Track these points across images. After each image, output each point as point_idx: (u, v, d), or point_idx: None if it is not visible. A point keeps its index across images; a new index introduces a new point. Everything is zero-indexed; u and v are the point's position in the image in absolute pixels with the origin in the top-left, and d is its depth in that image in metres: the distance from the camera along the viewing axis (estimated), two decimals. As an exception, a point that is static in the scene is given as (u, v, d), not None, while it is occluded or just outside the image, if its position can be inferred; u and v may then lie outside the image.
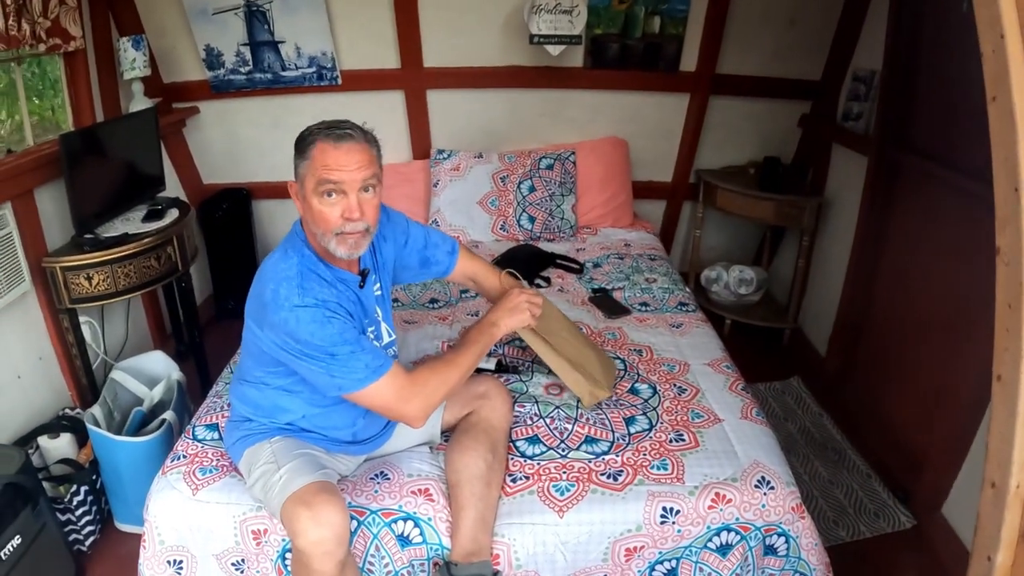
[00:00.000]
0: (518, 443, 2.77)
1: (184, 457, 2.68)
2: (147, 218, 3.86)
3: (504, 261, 4.20)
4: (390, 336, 2.64)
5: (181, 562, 2.58)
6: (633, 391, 3.07)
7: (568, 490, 2.54)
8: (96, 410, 3.25)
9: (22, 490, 2.74)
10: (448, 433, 2.79)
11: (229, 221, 5.11)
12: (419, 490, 2.54)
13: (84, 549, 3.22)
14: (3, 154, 3.47)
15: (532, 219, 4.71)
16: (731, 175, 5.06)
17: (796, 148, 5.16)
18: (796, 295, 4.97)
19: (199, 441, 2.79)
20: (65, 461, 3.28)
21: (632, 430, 2.82)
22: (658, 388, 3.08)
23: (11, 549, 2.63)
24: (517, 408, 2.91)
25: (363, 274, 2.46)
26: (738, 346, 3.49)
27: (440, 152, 4.93)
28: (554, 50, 4.43)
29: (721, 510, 2.49)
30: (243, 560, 2.55)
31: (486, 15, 4.71)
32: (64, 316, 3.53)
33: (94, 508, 3.27)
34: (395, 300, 3.43)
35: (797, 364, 4.77)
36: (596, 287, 4.03)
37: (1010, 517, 1.76)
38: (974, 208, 3.19)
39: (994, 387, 1.76)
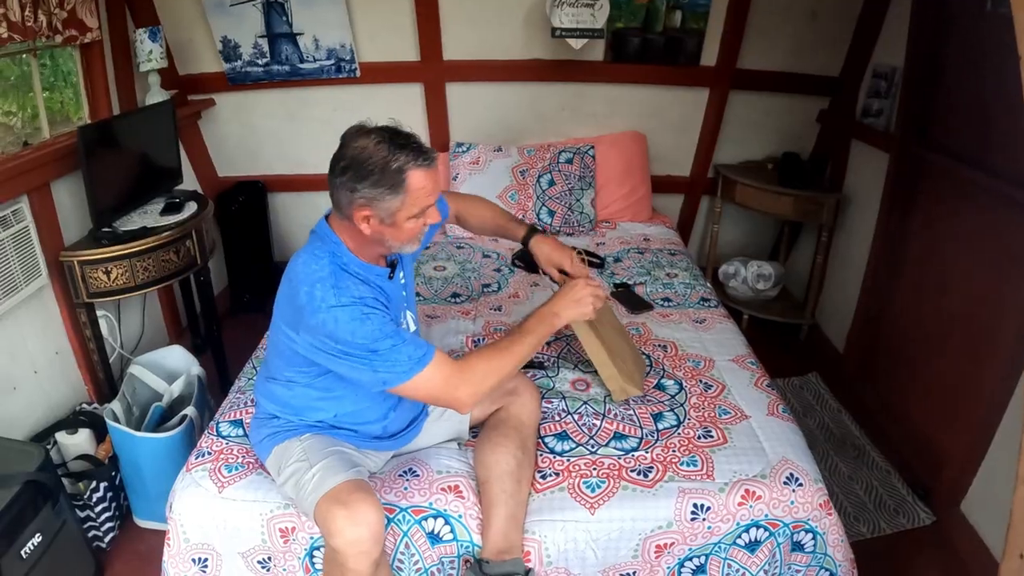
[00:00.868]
0: (547, 439, 2.76)
1: (209, 454, 2.66)
2: (165, 211, 3.83)
3: (523, 255, 4.12)
4: (415, 325, 2.63)
5: (206, 560, 2.56)
6: (660, 387, 3.05)
7: (599, 487, 2.52)
8: (115, 405, 3.22)
9: (42, 487, 2.71)
10: (476, 429, 2.76)
11: (245, 214, 5.08)
12: (449, 487, 2.52)
13: (103, 546, 3.20)
14: (19, 147, 3.45)
15: (552, 213, 4.69)
16: (749, 170, 5.03)
17: (814, 144, 5.12)
18: (813, 291, 4.95)
19: (223, 437, 2.76)
20: (84, 457, 3.26)
21: (660, 426, 2.81)
22: (684, 384, 3.07)
23: (32, 547, 2.61)
24: (545, 404, 2.89)
25: (392, 265, 2.43)
26: (756, 341, 3.44)
27: (459, 145, 4.89)
28: (576, 44, 4.39)
29: (751, 507, 2.48)
30: (269, 558, 2.54)
31: (507, 8, 4.68)
32: (81, 310, 3.51)
33: (113, 504, 3.24)
34: (417, 295, 3.41)
35: (815, 360, 4.75)
36: (618, 282, 4.00)
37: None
38: (1005, 210, 3.18)
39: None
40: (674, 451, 2.67)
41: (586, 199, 4.73)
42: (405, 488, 2.52)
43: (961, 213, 3.62)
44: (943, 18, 3.71)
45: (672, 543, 2.47)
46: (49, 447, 3.18)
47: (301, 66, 4.75)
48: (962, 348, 3.48)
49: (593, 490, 2.51)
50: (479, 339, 3.42)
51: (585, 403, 2.92)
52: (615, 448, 2.69)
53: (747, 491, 2.50)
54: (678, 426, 2.81)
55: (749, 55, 4.78)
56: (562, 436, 2.76)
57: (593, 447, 2.70)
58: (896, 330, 4.15)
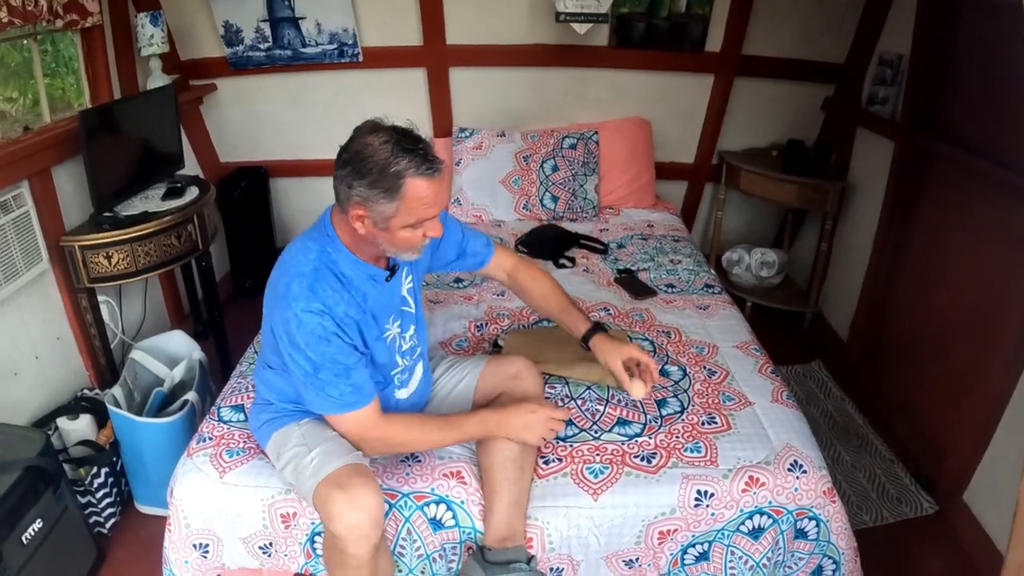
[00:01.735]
0: None
1: (210, 439, 2.65)
2: (166, 196, 3.81)
3: (530, 241, 4.20)
4: (414, 331, 2.58)
5: (207, 545, 2.55)
6: (664, 373, 3.02)
7: (602, 473, 2.51)
8: (117, 391, 3.21)
9: (43, 473, 2.71)
10: None
11: (247, 199, 5.07)
12: (451, 473, 2.51)
13: (105, 532, 3.19)
14: (19, 132, 3.43)
15: (555, 199, 4.67)
16: (753, 157, 5.02)
17: (819, 132, 5.11)
18: (817, 279, 4.94)
19: (224, 423, 2.75)
20: (85, 443, 3.25)
21: (664, 412, 2.79)
22: (688, 370, 3.05)
23: (32, 533, 2.60)
24: (547, 389, 2.87)
25: (392, 269, 2.39)
26: (759, 329, 3.43)
27: (462, 131, 4.87)
28: (580, 28, 4.36)
29: (754, 493, 2.47)
30: (271, 543, 2.53)
31: (511, -8, 4.66)
32: (82, 295, 3.50)
33: (115, 490, 3.23)
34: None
35: (818, 348, 4.74)
36: (621, 268, 3.98)
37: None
38: (1012, 200, 3.18)
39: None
40: (678, 437, 2.66)
41: (590, 185, 4.71)
42: (407, 474, 2.51)
43: (967, 203, 3.60)
44: (950, 4, 3.67)
45: (675, 529, 2.47)
46: (50, 433, 3.15)
47: (303, 51, 4.72)
48: (967, 338, 3.47)
49: (596, 476, 2.50)
50: (481, 324, 3.41)
51: (588, 388, 2.90)
52: (618, 434, 2.68)
53: (751, 478, 2.49)
54: (682, 412, 2.79)
55: (754, 41, 4.75)
56: (565, 422, 2.70)
57: (596, 433, 2.68)
58: (900, 319, 4.13)
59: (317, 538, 2.47)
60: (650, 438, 2.66)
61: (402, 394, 2.57)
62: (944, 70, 3.78)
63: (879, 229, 4.28)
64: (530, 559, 2.38)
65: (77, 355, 3.62)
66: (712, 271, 4.04)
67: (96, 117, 3.49)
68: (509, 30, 4.76)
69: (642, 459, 2.56)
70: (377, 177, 2.05)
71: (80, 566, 2.94)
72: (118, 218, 3.51)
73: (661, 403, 2.84)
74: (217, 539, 2.54)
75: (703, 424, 2.73)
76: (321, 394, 2.21)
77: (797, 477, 2.50)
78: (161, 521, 2.62)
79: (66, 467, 3.05)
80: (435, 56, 4.80)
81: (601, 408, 2.80)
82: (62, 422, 3.26)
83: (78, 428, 3.26)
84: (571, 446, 2.63)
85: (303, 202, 5.35)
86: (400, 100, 4.81)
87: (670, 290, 3.76)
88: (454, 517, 2.46)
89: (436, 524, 2.46)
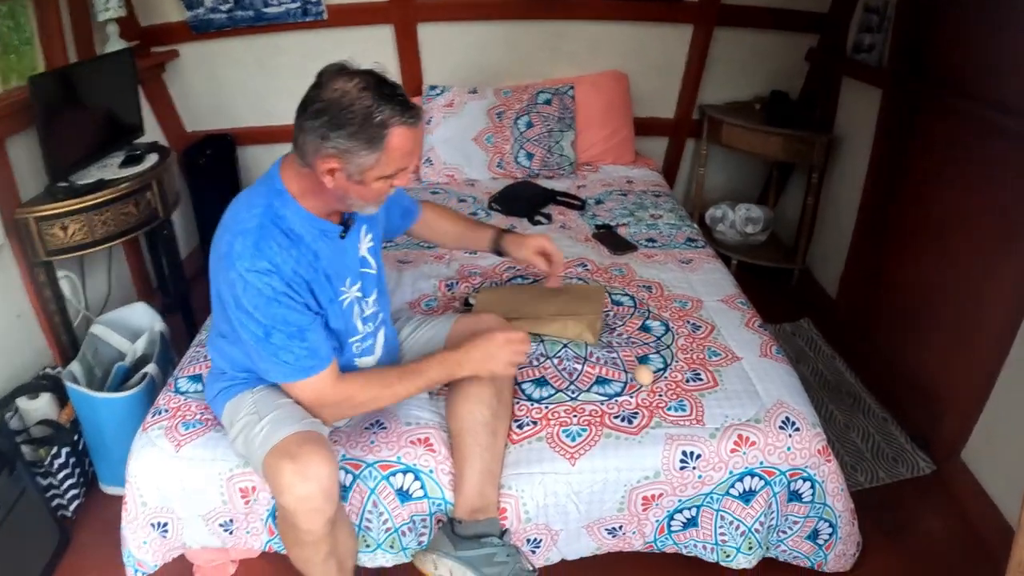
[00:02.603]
0: (524, 386, 2.63)
1: (166, 411, 2.54)
2: (124, 164, 3.67)
3: (504, 198, 4.12)
4: (377, 296, 2.48)
5: (166, 524, 2.45)
6: (645, 328, 2.93)
7: (580, 435, 2.41)
8: (75, 367, 3.11)
9: (-6, 454, 2.59)
10: None
11: (214, 168, 4.91)
12: (418, 439, 2.40)
13: (69, 515, 3.08)
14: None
15: (530, 156, 4.57)
16: (736, 110, 4.92)
17: (803, 83, 5.02)
18: (804, 235, 4.86)
19: (181, 394, 2.63)
20: (46, 422, 3.12)
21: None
22: (671, 325, 2.95)
23: (-13, 517, 2.48)
24: None
25: (346, 224, 2.27)
26: (745, 287, 3.35)
27: (432, 88, 4.76)
28: (555, -23, 4.24)
29: (744, 453, 2.38)
30: (232, 520, 2.44)
31: (482, -58, 4.54)
32: (40, 270, 3.36)
33: (77, 471, 3.13)
34: (390, 242, 3.27)
35: (806, 306, 4.67)
36: (600, 223, 3.89)
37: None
38: (1008, 143, 3.09)
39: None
40: (661, 395, 2.56)
41: (566, 141, 4.60)
42: (372, 442, 2.40)
43: (962, 149, 3.49)
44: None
45: (660, 494, 2.37)
46: (10, 414, 3.05)
47: (265, 10, 4.56)
48: (963, 290, 3.37)
49: (573, 439, 2.40)
50: (452, 283, 3.30)
51: (565, 346, 2.79)
52: (597, 393, 2.57)
53: (740, 437, 2.40)
54: (665, 369, 2.69)
55: (735, -12, 4.64)
56: (540, 382, 2.63)
57: (574, 393, 2.57)
58: (892, 273, 4.04)
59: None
60: (631, 397, 2.55)
61: (365, 362, 2.45)
62: (934, 10, 3.67)
63: (868, 181, 4.19)
64: (503, 532, 2.28)
65: (40, 333, 3.48)
66: (694, 225, 3.96)
67: (48, 83, 3.33)
68: (480, -19, 4.63)
69: (622, 419, 2.45)
70: (358, 129, 1.94)
71: (43, 551, 2.83)
72: (73, 187, 3.37)
73: (643, 360, 2.73)
74: (176, 517, 2.44)
75: (688, 381, 2.63)
76: (275, 360, 2.09)
77: (790, 435, 2.41)
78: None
79: (26, 448, 2.94)
80: (402, 11, 4.66)
81: (579, 367, 2.69)
82: (22, 402, 3.12)
83: (38, 407, 3.13)
84: (546, 408, 2.52)
85: (273, 171, 5.19)
86: (367, 59, 4.53)
87: (651, 244, 3.66)
88: (422, 487, 2.35)
89: (403, 495, 2.36)
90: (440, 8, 4.69)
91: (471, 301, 3.08)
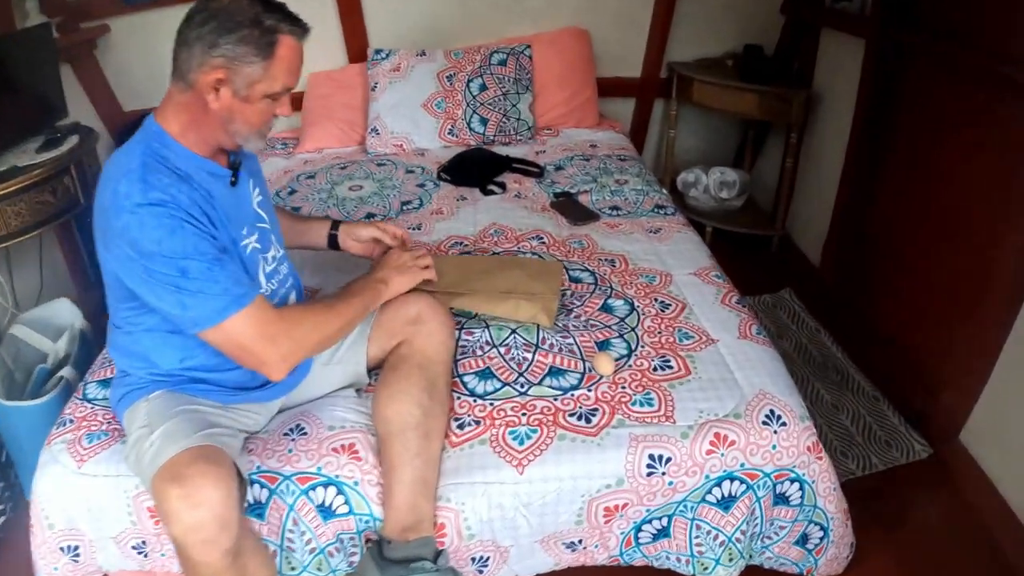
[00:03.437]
0: (465, 378, 2.35)
1: (71, 422, 2.27)
2: (42, 148, 3.41)
3: (453, 168, 3.86)
4: (278, 251, 2.24)
5: (77, 548, 2.21)
6: (606, 308, 2.66)
7: (529, 437, 2.13)
8: (-8, 372, 2.88)
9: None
10: (378, 371, 2.33)
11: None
12: (342, 447, 2.13)
13: (-6, 533, 2.85)
14: None
15: (484, 121, 4.30)
16: (707, 67, 4.67)
17: (779, 37, 4.78)
18: (783, 199, 4.65)
19: (89, 402, 2.35)
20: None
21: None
22: (636, 304, 2.68)
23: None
24: (464, 336, 2.51)
25: (234, 167, 2.04)
26: (721, 256, 3.19)
27: (378, 52, 4.47)
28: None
29: (722, 455, 2.13)
30: (144, 542, 2.19)
31: None
32: (-46, 267, 3.10)
33: (1, 485, 2.90)
34: (327, 219, 2.99)
35: (788, 275, 4.43)
36: (559, 191, 3.63)
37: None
38: (1005, 92, 2.87)
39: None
40: (624, 387, 2.28)
41: (523, 104, 4.33)
42: (289, 451, 2.12)
43: (953, 102, 3.27)
44: None
45: (624, 504, 2.11)
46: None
47: (199, -26, 4.22)
48: (959, 255, 3.17)
49: (522, 442, 2.12)
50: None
51: (514, 332, 2.50)
52: (550, 387, 2.29)
53: (717, 436, 2.14)
54: (629, 356, 2.41)
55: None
56: (484, 374, 2.36)
57: (523, 387, 2.29)
58: (880, 238, 3.84)
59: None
60: (590, 391, 2.27)
61: None
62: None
63: (851, 139, 3.96)
64: (438, 555, 2.01)
65: (-37, 336, 3.23)
66: (664, 191, 3.70)
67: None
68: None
69: (579, 418, 2.18)
70: (248, 33, 1.82)
71: (-37, 572, 2.60)
72: (-17, 177, 3.12)
73: (603, 345, 2.46)
74: (87, 540, 2.20)
75: (655, 369, 2.35)
76: (201, 298, 1.79)
77: (775, 431, 2.16)
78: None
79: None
80: (342, -30, 4.40)
81: (529, 356, 2.40)
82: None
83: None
84: (491, 405, 2.24)
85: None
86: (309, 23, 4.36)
87: (615, 213, 3.40)
88: (347, 503, 2.08)
89: (326, 512, 2.08)
90: (384, -36, 4.43)
91: None
